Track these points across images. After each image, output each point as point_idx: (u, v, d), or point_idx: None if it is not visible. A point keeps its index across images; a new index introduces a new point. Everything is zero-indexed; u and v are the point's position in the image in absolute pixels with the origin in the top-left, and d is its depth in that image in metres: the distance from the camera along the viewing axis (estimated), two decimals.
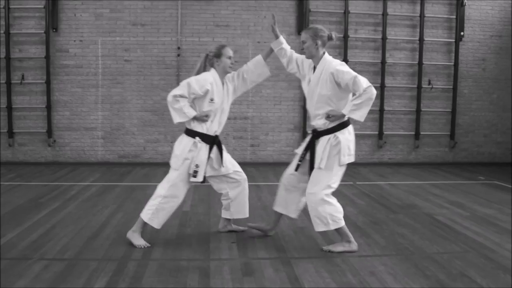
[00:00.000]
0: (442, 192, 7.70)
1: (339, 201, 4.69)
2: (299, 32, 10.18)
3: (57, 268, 4.06)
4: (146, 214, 4.76)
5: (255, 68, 5.07)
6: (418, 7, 10.56)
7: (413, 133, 10.78)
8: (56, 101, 9.97)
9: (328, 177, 4.61)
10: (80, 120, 10.05)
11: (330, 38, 4.74)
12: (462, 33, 10.67)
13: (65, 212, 5.98)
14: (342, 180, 4.79)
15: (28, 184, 7.83)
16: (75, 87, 10.00)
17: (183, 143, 4.81)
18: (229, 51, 4.91)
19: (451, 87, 10.80)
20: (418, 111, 10.69)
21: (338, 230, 4.66)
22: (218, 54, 4.87)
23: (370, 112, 4.69)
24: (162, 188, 4.79)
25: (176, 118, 4.77)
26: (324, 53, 4.72)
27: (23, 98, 9.94)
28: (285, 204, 4.98)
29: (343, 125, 4.67)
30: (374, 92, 4.51)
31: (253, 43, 10.14)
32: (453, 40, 10.72)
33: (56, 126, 10.02)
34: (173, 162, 4.81)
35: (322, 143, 4.64)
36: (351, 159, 4.70)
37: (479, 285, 3.86)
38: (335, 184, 4.67)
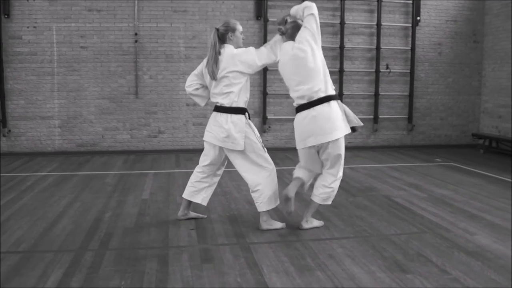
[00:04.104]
0: (400, 174, 7.83)
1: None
2: (257, 17, 10.14)
3: (11, 261, 3.95)
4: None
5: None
6: None
7: (372, 117, 10.90)
8: (10, 89, 9.67)
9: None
10: (36, 109, 9.79)
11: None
12: (418, 18, 10.81)
13: (21, 204, 5.82)
14: None
15: None
16: (29, 75, 9.71)
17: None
18: (240, 26, 4.92)
19: (408, 71, 10.95)
20: (376, 95, 10.81)
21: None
22: (233, 29, 4.83)
23: None
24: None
25: None
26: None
27: None
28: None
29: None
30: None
31: (211, 28, 9.90)
32: (410, 25, 10.84)
33: (11, 116, 9.74)
34: None
35: None
36: (299, 145, 4.73)
37: (434, 264, 3.94)
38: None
